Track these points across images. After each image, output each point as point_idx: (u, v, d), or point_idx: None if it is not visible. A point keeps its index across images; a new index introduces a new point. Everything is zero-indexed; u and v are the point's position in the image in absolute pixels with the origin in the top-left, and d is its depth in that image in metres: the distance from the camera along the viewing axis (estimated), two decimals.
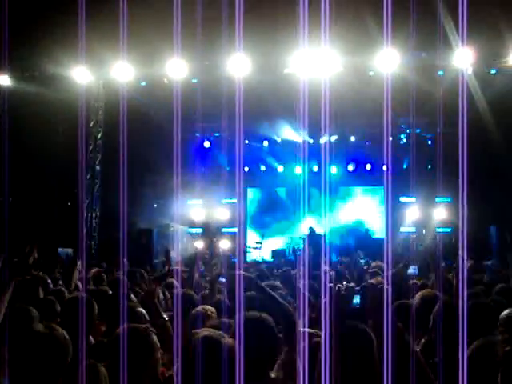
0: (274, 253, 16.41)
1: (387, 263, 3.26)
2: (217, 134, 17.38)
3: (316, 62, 10.30)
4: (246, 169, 17.47)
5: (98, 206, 14.54)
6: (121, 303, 3.51)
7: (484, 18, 9.06)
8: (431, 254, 4.58)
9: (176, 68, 11.63)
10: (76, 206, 14.11)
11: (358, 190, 19.00)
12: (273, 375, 2.70)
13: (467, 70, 11.55)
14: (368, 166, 18.14)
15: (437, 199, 15.25)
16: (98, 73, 12.91)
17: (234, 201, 16.89)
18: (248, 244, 16.84)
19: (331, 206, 17.88)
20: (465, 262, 3.57)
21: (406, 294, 3.69)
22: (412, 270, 3.20)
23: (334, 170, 17.59)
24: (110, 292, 4.69)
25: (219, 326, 2.92)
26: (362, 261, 11.77)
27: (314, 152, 16.48)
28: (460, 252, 3.34)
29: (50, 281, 5.52)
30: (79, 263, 5.54)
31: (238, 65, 11.28)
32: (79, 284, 5.41)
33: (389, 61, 10.98)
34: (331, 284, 2.61)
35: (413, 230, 15.64)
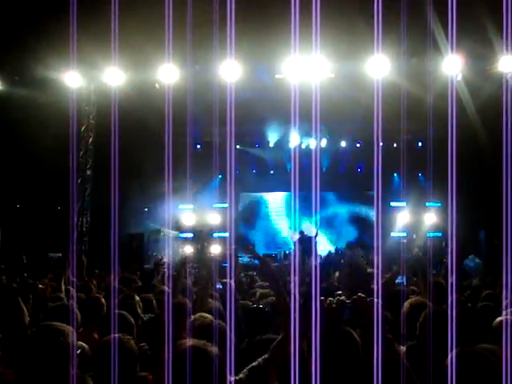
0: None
1: (377, 273, 3.27)
2: (208, 139, 17.38)
3: (307, 67, 10.34)
4: (236, 174, 17.49)
5: (89, 210, 14.48)
6: (111, 311, 3.51)
7: (473, 25, 9.15)
8: (418, 262, 4.61)
9: (167, 73, 11.64)
10: (66, 211, 14.05)
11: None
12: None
13: (457, 76, 11.65)
14: (358, 171, 18.25)
15: (427, 204, 15.34)
16: (90, 77, 12.89)
17: (225, 205, 16.90)
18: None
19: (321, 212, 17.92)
20: (454, 267, 3.59)
21: (395, 303, 3.70)
22: (399, 279, 3.21)
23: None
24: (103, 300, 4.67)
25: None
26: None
27: (304, 157, 16.50)
28: (449, 258, 3.37)
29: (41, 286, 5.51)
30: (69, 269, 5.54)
31: (230, 70, 11.31)
32: (71, 289, 5.38)
33: (379, 67, 11.05)
34: (322, 298, 2.64)
35: (403, 234, 15.71)
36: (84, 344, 3.23)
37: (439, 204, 15.10)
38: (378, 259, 3.65)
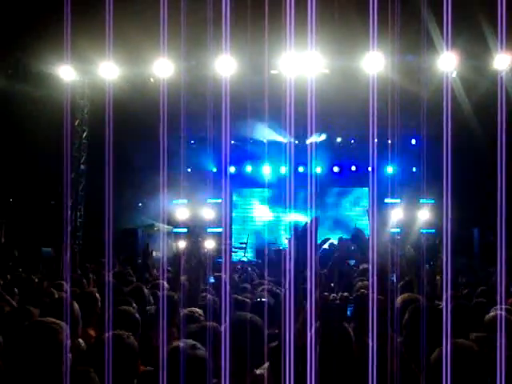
0: (258, 253, 16.43)
1: (373, 267, 3.28)
2: (202, 134, 17.35)
3: (302, 63, 10.33)
4: (232, 169, 17.48)
5: (83, 205, 14.45)
6: (108, 306, 3.49)
7: (468, 22, 9.16)
8: (411, 259, 4.63)
9: (162, 68, 11.60)
10: (60, 205, 14.00)
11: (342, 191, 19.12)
12: (258, 372, 2.73)
13: (452, 73, 11.68)
14: (353, 167, 18.26)
15: (421, 201, 15.38)
16: (84, 71, 12.84)
17: (219, 201, 16.89)
18: (233, 244, 16.84)
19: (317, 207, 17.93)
20: (448, 263, 3.60)
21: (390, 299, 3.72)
22: (391, 277, 3.23)
23: (318, 170, 17.68)
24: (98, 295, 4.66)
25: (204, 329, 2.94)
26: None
27: (299, 153, 16.53)
28: (444, 254, 3.38)
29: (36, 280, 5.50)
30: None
31: (225, 65, 11.28)
32: (64, 284, 5.37)
33: (374, 63, 11.05)
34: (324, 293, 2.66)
35: (397, 230, 15.74)
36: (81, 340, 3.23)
37: (433, 201, 15.14)
38: (373, 255, 3.65)
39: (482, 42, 10.79)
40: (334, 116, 14.15)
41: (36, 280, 5.74)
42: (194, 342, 2.46)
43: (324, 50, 11.04)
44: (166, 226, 14.74)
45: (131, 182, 15.12)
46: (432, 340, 2.76)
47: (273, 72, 12.25)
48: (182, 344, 2.39)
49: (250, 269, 9.28)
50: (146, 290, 4.89)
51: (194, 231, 14.43)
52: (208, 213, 16.44)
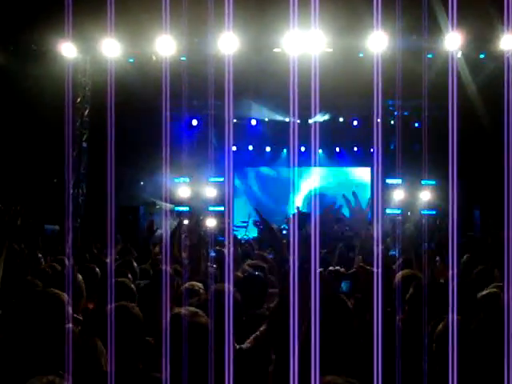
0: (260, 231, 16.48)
1: (377, 245, 3.31)
2: (204, 113, 17.29)
3: (305, 42, 10.25)
4: (234, 148, 17.45)
5: (85, 182, 14.47)
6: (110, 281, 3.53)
7: (474, 2, 9.06)
8: (411, 236, 4.68)
9: (164, 45, 11.51)
10: (62, 183, 14.01)
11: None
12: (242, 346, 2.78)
13: (457, 53, 11.58)
14: (355, 148, 18.24)
15: (422, 182, 15.38)
16: (85, 49, 12.74)
17: (221, 179, 16.91)
18: (234, 223, 16.90)
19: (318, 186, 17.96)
20: (455, 245, 3.63)
21: (389, 275, 3.76)
22: (392, 252, 3.27)
23: (320, 150, 17.66)
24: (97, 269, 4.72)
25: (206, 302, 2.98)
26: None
27: (301, 132, 16.48)
28: (450, 236, 3.39)
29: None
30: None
31: (227, 43, 11.19)
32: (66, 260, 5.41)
33: (378, 43, 10.95)
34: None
35: (399, 211, 15.77)
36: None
37: (434, 182, 15.15)
38: (378, 233, 3.68)
39: (488, 22, 10.69)
40: (336, 96, 14.08)
41: (40, 255, 5.79)
42: (196, 310, 2.49)
43: (327, 28, 10.94)
44: (167, 204, 14.77)
45: (133, 160, 15.13)
46: (435, 315, 2.80)
47: (275, 50, 12.17)
48: (183, 311, 2.43)
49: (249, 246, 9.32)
50: (135, 264, 4.98)
51: (196, 209, 14.47)
52: (210, 191, 16.47)
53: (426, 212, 14.76)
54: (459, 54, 11.79)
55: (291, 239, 2.72)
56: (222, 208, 15.95)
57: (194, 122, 17.50)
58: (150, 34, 11.65)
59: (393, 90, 10.81)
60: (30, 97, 12.73)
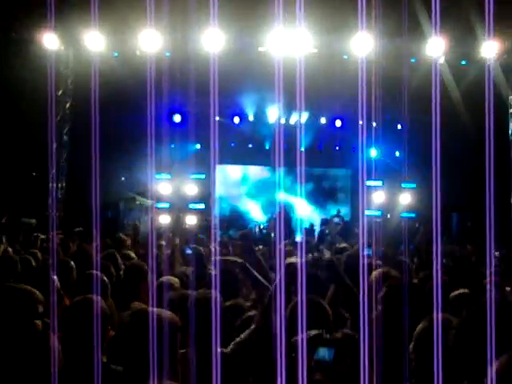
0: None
1: (362, 249, 3.34)
2: (187, 109, 17.22)
3: (290, 42, 10.27)
4: (216, 145, 17.42)
5: (64, 176, 14.32)
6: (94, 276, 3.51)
7: (456, 9, 9.16)
8: (389, 238, 4.72)
9: (149, 40, 11.44)
10: (41, 177, 13.85)
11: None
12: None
13: (440, 58, 11.70)
14: (337, 148, 18.34)
15: (402, 185, 15.51)
16: (68, 41, 12.59)
17: (202, 176, 16.86)
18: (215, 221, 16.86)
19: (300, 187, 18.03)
20: (439, 248, 3.67)
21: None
22: (366, 251, 3.30)
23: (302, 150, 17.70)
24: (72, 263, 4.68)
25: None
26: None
27: (284, 131, 16.51)
28: (434, 237, 3.43)
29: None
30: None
31: (212, 40, 11.16)
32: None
33: (363, 45, 11.02)
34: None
35: (378, 213, 15.89)
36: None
37: (414, 185, 15.29)
38: (362, 236, 3.71)
39: (469, 28, 10.82)
40: (319, 96, 14.13)
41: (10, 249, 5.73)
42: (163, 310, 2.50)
43: (313, 29, 10.98)
44: (147, 200, 14.69)
45: (114, 155, 15.00)
46: (409, 315, 2.83)
47: (260, 49, 12.17)
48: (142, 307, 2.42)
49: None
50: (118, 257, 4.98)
51: (176, 206, 14.42)
52: (191, 188, 16.41)
53: (405, 215, 14.90)
54: (442, 60, 11.91)
55: (277, 239, 2.73)
56: (202, 205, 15.92)
57: (177, 118, 17.43)
58: (135, 29, 11.56)
59: (376, 92, 10.88)
60: (10, 87, 12.54)
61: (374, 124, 16.72)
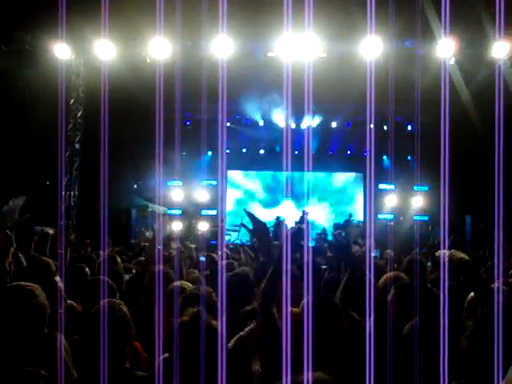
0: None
1: (368, 253, 3.33)
2: (197, 116, 17.28)
3: (300, 47, 10.28)
4: (227, 151, 17.44)
5: (77, 184, 14.41)
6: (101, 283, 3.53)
7: (467, 9, 9.11)
8: (402, 240, 4.70)
9: (158, 48, 11.51)
10: (54, 185, 13.94)
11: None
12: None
13: (450, 59, 11.64)
14: (348, 152, 18.29)
15: (414, 188, 15.45)
16: (79, 50, 12.71)
17: (214, 182, 16.91)
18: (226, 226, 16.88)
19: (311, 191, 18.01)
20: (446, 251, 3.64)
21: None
22: (374, 253, 3.29)
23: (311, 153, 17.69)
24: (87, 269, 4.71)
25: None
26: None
27: (295, 136, 16.52)
28: (442, 242, 3.41)
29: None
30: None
31: (221, 46, 11.20)
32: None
33: (372, 48, 11.00)
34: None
35: (391, 216, 15.83)
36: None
37: (426, 188, 15.21)
38: (369, 239, 3.69)
39: (480, 29, 10.76)
40: (329, 100, 14.12)
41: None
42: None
43: (322, 33, 10.98)
44: (160, 207, 14.75)
45: (126, 163, 15.09)
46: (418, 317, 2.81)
47: (270, 54, 12.19)
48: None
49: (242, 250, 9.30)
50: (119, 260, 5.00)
51: (188, 213, 14.46)
52: (202, 195, 16.46)
53: (418, 218, 14.83)
54: (452, 61, 11.85)
55: (283, 241, 2.72)
56: (214, 212, 15.95)
57: (188, 125, 17.50)
58: (145, 37, 11.64)
59: (386, 95, 10.86)
60: (23, 97, 12.67)
61: (385, 127, 16.73)
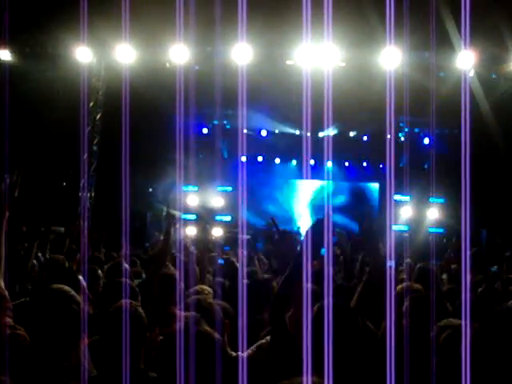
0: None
1: (389, 263, 3.33)
2: (215, 122, 17.37)
3: (318, 55, 10.30)
4: (244, 158, 17.49)
5: (94, 186, 14.53)
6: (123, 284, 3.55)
7: (486, 22, 9.08)
8: (418, 252, 4.68)
9: (178, 53, 11.60)
10: (71, 187, 14.07)
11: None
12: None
13: (469, 72, 11.58)
14: (364, 163, 18.23)
15: (430, 200, 15.33)
16: (100, 54, 12.86)
17: (229, 189, 16.95)
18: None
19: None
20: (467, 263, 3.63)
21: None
22: (389, 263, 3.28)
23: (329, 164, 17.65)
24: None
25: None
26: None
27: (311, 145, 16.51)
28: (463, 255, 3.39)
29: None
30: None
31: (241, 53, 11.27)
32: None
33: (391, 59, 10.98)
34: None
35: (405, 228, 15.72)
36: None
37: (442, 200, 15.09)
38: (389, 250, 3.69)
39: (500, 42, 10.70)
40: (347, 110, 14.11)
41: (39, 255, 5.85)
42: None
43: (341, 43, 10.99)
44: (176, 212, 14.79)
45: (142, 166, 15.18)
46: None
47: (288, 62, 12.22)
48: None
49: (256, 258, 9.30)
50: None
51: (203, 218, 14.50)
52: (217, 200, 16.51)
53: (433, 230, 14.71)
54: (472, 73, 11.79)
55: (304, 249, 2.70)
56: (229, 217, 15.97)
57: (205, 131, 17.58)
58: (165, 42, 11.74)
59: (404, 106, 10.82)
60: (44, 99, 12.83)
61: (402, 138, 16.67)
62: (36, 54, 12.83)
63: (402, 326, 3.01)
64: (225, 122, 16.98)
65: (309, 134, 16.22)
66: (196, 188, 16.35)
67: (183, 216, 15.44)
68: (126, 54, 11.91)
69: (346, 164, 18.47)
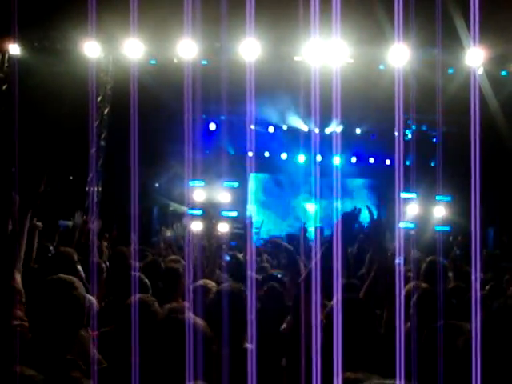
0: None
1: (397, 253, 3.34)
2: (223, 117, 17.36)
3: (326, 51, 10.28)
4: (250, 154, 17.48)
5: (101, 181, 14.58)
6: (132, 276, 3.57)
7: (496, 19, 9.03)
8: (425, 249, 4.68)
9: (186, 48, 11.61)
10: (78, 181, 14.12)
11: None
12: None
13: (478, 69, 11.52)
14: (371, 160, 18.18)
15: (437, 197, 15.27)
16: (108, 48, 12.88)
17: (235, 184, 16.94)
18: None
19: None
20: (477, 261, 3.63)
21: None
22: (398, 260, 3.29)
23: (336, 160, 17.60)
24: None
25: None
26: None
27: (318, 142, 16.46)
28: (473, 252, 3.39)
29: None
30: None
31: (249, 49, 11.26)
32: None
33: (400, 56, 10.94)
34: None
35: (412, 225, 15.67)
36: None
37: (449, 198, 15.04)
38: (398, 246, 3.70)
39: (510, 38, 10.64)
40: (354, 107, 14.07)
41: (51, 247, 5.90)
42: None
43: (349, 39, 10.96)
44: (181, 207, 14.83)
45: (149, 161, 15.20)
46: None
47: (296, 59, 12.20)
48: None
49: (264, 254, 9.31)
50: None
51: (209, 213, 14.50)
52: (224, 196, 16.50)
53: (439, 228, 14.65)
54: (481, 71, 11.73)
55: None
56: (235, 213, 15.97)
57: (212, 126, 17.58)
58: (173, 37, 11.75)
59: (411, 103, 10.79)
60: (51, 93, 12.87)
61: (410, 135, 16.61)
62: (44, 48, 12.87)
63: (408, 320, 3.02)
64: (232, 117, 16.97)
65: (317, 131, 16.23)
66: (203, 183, 16.35)
67: (190, 211, 15.49)
68: (134, 49, 11.92)
69: (353, 161, 18.42)
